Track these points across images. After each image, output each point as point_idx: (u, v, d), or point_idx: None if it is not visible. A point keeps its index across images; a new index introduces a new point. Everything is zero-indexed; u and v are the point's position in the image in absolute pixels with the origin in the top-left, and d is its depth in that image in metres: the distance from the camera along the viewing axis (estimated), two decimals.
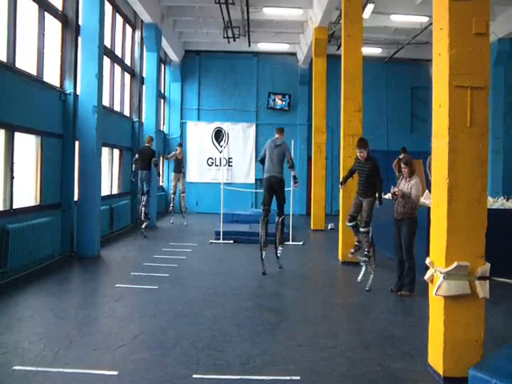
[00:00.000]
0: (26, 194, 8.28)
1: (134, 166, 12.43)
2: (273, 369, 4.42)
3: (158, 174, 13.64)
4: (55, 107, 9.05)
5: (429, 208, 6.05)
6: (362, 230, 7.71)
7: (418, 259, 6.99)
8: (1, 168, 7.36)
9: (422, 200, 9.12)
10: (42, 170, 8.55)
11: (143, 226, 12.25)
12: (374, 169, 7.58)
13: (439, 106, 4.46)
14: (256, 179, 19.26)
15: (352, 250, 8.01)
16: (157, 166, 12.78)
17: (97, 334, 5.29)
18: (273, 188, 8.59)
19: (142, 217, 12.27)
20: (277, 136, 8.80)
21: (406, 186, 7.28)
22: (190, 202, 19.10)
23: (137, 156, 12.22)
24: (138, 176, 12.28)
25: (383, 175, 7.86)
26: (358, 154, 7.63)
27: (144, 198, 12.22)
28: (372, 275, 7.61)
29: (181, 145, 15.52)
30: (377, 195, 7.59)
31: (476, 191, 4.32)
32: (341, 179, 8.78)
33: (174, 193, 15.08)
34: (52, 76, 9.09)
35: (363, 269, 7.94)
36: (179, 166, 15.02)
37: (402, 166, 7.44)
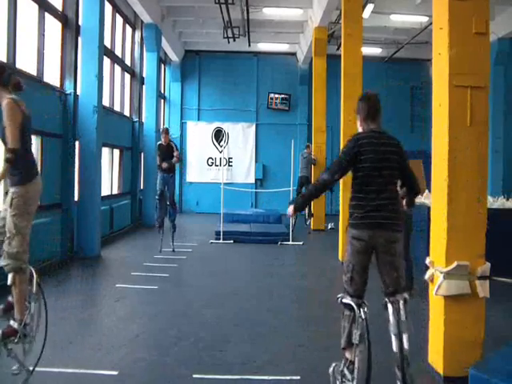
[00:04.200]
0: None
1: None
2: (273, 369, 4.42)
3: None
4: (55, 107, 9.04)
5: (429, 208, 6.05)
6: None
7: (418, 259, 6.99)
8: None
9: (422, 200, 9.11)
10: (42, 170, 8.51)
11: None
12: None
13: (439, 106, 4.46)
14: (256, 179, 19.28)
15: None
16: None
17: (97, 334, 5.29)
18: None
19: None
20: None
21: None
22: (191, 202, 19.13)
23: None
24: None
25: None
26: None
27: None
28: None
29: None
30: None
31: (476, 191, 4.32)
32: None
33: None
34: (52, 76, 9.08)
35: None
36: None
37: None
